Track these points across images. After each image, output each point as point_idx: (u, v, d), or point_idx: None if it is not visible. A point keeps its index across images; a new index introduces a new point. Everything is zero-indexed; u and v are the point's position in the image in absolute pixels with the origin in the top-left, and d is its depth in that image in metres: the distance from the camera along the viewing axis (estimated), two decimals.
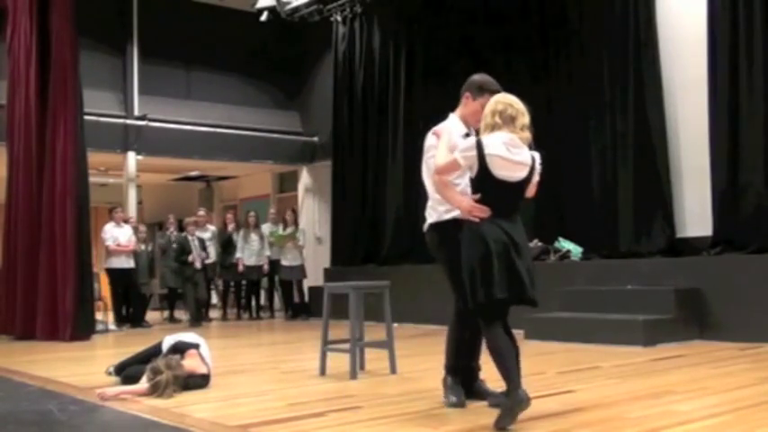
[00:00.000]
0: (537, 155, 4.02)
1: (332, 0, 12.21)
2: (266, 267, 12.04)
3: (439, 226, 4.28)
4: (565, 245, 9.15)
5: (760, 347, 6.59)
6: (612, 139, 9.02)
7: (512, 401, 3.65)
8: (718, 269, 7.52)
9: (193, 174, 16.47)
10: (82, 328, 8.98)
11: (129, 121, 12.46)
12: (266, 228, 12.28)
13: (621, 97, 8.94)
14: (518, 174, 3.89)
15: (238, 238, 12.04)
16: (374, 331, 6.54)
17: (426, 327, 9.26)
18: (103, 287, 11.07)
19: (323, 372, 5.59)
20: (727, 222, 7.85)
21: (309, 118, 14.08)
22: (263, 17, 12.31)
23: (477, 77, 4.47)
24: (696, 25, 8.23)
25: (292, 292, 12.16)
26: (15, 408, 4.61)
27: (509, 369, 3.74)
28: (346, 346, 5.54)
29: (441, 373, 4.46)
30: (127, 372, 5.29)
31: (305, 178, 14.27)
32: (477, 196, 3.87)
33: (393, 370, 5.56)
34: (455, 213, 4.13)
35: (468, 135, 4.26)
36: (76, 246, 9.07)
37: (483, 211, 3.82)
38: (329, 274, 12.00)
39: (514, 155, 3.86)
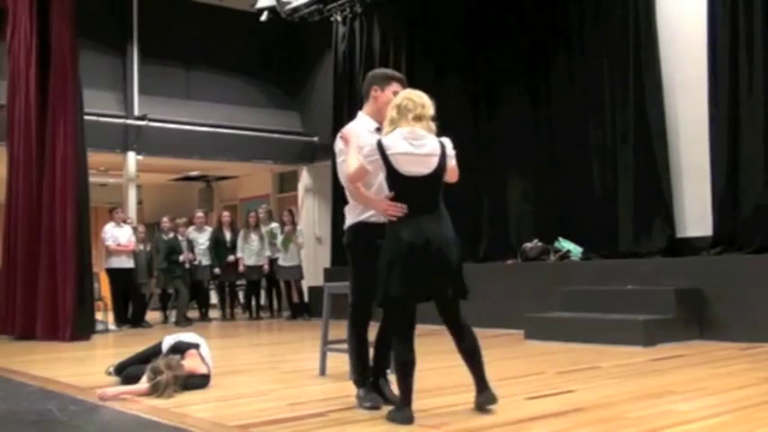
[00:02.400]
0: (447, 140, 4.02)
1: (332, 0, 12.21)
2: (266, 267, 12.03)
3: (350, 229, 4.31)
4: (565, 245, 9.14)
5: (760, 347, 6.59)
6: (612, 139, 9.02)
7: (401, 414, 3.79)
8: (718, 269, 7.51)
9: (193, 174, 16.48)
10: (82, 328, 8.98)
11: (129, 121, 12.46)
12: (262, 228, 12.23)
13: (621, 97, 8.94)
14: (428, 166, 3.88)
15: (238, 239, 12.03)
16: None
17: (426, 327, 9.21)
18: (103, 287, 11.07)
19: (323, 372, 5.59)
20: (727, 222, 7.84)
21: (309, 118, 14.08)
22: (263, 17, 12.31)
23: (379, 70, 4.56)
24: (696, 25, 8.23)
25: (291, 293, 12.15)
26: (15, 408, 4.60)
27: (407, 386, 3.81)
28: (346, 345, 5.53)
29: (440, 373, 4.44)
30: (127, 372, 5.29)
31: (305, 178, 14.27)
32: (392, 194, 3.89)
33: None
34: (364, 216, 4.21)
35: (379, 129, 4.24)
36: (76, 246, 9.07)
37: (398, 209, 3.84)
38: (329, 274, 11.99)
39: (418, 147, 3.87)
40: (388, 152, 3.85)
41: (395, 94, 4.28)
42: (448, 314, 4.04)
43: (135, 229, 11.36)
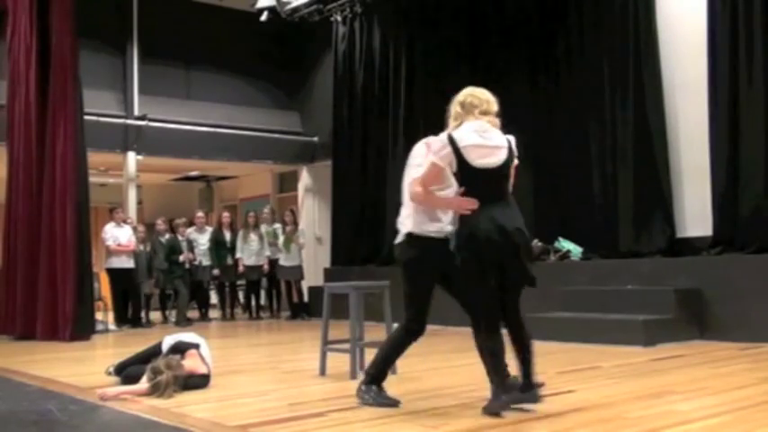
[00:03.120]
0: (512, 137, 4.08)
1: (332, 0, 12.21)
2: (266, 267, 12.03)
3: (408, 242, 4.24)
4: (565, 245, 9.15)
5: (760, 347, 6.59)
6: (612, 139, 9.02)
7: (502, 401, 3.87)
8: (718, 269, 7.51)
9: (193, 174, 16.47)
10: (82, 328, 8.98)
11: (129, 121, 12.46)
12: (262, 228, 12.25)
13: (621, 97, 8.94)
14: (497, 158, 3.94)
15: (237, 239, 12.03)
16: (374, 331, 6.54)
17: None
18: (103, 287, 11.07)
19: (323, 372, 5.59)
20: (727, 222, 7.84)
21: (309, 118, 14.08)
22: (263, 17, 12.31)
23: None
24: (696, 25, 8.23)
25: (291, 293, 12.16)
26: (15, 408, 4.60)
27: (498, 370, 3.90)
28: (346, 346, 5.54)
29: (440, 373, 4.43)
30: (127, 372, 5.29)
31: (305, 178, 14.27)
32: (462, 189, 3.93)
33: (393, 370, 5.54)
34: (423, 230, 4.16)
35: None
36: (76, 246, 9.07)
37: (472, 203, 3.87)
38: (329, 274, 12.00)
39: (488, 140, 3.94)
40: (460, 144, 3.88)
41: None
42: (513, 303, 4.03)
43: (135, 229, 11.35)
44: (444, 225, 4.18)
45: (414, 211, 4.23)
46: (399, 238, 4.31)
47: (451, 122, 4.05)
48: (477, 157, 3.90)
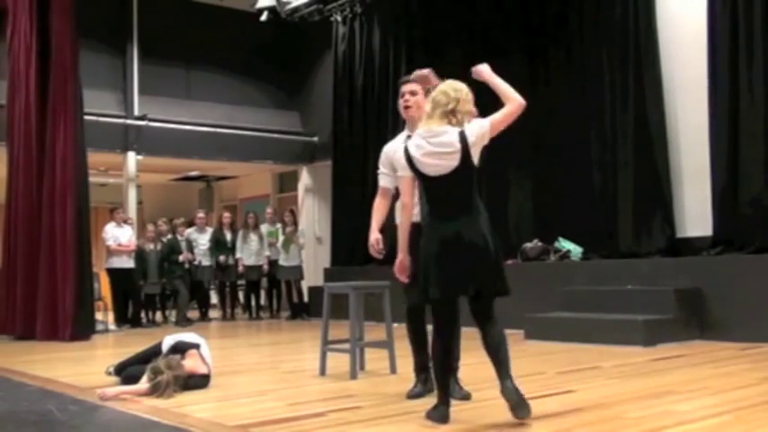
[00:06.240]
0: (467, 127, 3.79)
1: (332, 0, 12.22)
2: (266, 267, 12.04)
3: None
4: (565, 245, 9.14)
5: (760, 347, 6.59)
6: (612, 139, 9.02)
7: (437, 414, 3.76)
8: (719, 269, 7.51)
9: (193, 174, 16.47)
10: (82, 328, 8.98)
11: (129, 121, 12.45)
12: (263, 228, 12.26)
13: (621, 97, 8.94)
14: (448, 163, 3.73)
15: (237, 239, 12.03)
16: (374, 331, 6.55)
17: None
18: (103, 287, 11.07)
19: (323, 372, 5.59)
20: (727, 222, 7.84)
21: (309, 118, 14.08)
22: (263, 17, 12.32)
23: None
24: (696, 25, 8.23)
25: (291, 293, 12.16)
26: (15, 408, 4.60)
27: (438, 380, 3.81)
28: (346, 346, 5.54)
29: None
30: (127, 372, 5.29)
31: (305, 178, 14.27)
32: (379, 238, 4.51)
33: (393, 370, 5.56)
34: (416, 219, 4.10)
35: (409, 137, 4.14)
36: (76, 246, 9.07)
37: (375, 253, 4.49)
38: (329, 274, 12.00)
39: (436, 146, 3.73)
40: (412, 154, 3.80)
41: (404, 98, 4.34)
42: (480, 309, 3.80)
43: (144, 228, 11.32)
44: None
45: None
46: None
47: (422, 124, 3.88)
48: (427, 167, 3.75)
